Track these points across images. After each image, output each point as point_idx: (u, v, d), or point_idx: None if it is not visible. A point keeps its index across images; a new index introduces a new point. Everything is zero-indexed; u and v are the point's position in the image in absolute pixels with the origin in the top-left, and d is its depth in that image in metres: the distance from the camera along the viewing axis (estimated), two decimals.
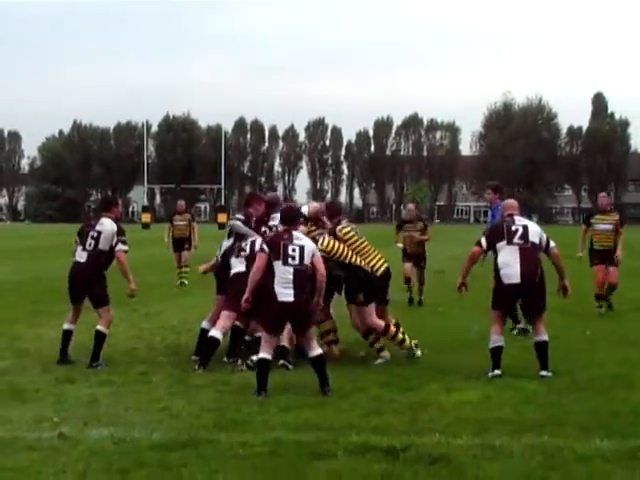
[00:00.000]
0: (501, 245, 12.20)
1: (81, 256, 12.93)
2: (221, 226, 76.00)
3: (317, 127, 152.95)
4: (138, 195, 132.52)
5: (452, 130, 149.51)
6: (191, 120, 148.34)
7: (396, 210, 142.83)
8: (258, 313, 11.48)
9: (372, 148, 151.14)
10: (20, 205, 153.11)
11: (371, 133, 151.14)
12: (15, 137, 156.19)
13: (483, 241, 12.36)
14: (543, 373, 12.00)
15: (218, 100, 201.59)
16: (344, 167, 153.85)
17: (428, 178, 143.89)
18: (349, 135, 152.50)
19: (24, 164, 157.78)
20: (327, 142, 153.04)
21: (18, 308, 19.36)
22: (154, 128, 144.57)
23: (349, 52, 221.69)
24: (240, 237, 13.18)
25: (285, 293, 11.07)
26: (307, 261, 11.34)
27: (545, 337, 12.15)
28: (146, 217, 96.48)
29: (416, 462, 8.05)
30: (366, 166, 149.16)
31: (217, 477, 7.70)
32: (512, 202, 13.12)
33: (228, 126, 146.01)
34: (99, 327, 12.83)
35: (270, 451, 8.39)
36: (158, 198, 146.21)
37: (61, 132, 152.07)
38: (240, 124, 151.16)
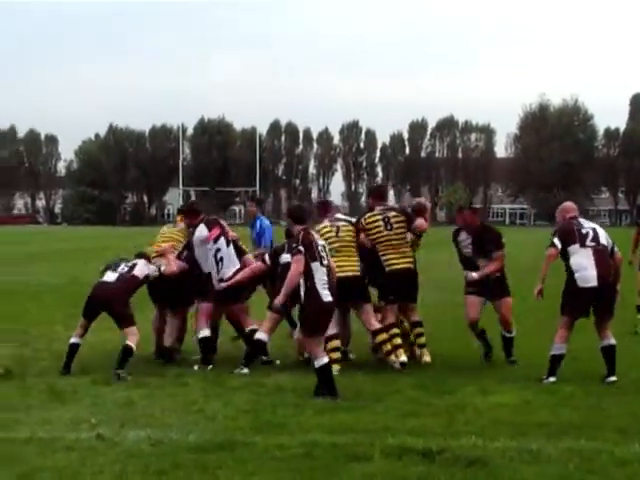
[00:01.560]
0: (574, 248, 11.92)
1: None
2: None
3: (351, 129, 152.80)
4: (174, 197, 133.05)
5: (487, 132, 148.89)
6: (226, 123, 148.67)
7: (431, 212, 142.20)
8: (304, 317, 11.21)
9: (407, 150, 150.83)
10: (57, 208, 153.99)
11: (406, 135, 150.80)
12: (52, 140, 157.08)
13: (557, 242, 12.01)
14: (611, 379, 11.79)
15: (253, 103, 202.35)
16: (379, 169, 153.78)
17: (463, 180, 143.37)
18: (383, 137, 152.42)
19: (61, 167, 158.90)
20: (361, 144, 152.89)
21: (55, 310, 19.48)
22: (189, 131, 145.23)
23: (383, 53, 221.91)
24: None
25: (326, 294, 11.08)
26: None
27: (613, 341, 11.96)
28: (181, 219, 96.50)
29: (452, 465, 8.03)
30: (400, 168, 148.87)
31: (253, 479, 7.71)
32: (571, 205, 12.77)
33: (263, 128, 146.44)
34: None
35: (306, 453, 8.38)
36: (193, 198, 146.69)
37: (97, 135, 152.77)
38: (275, 126, 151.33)
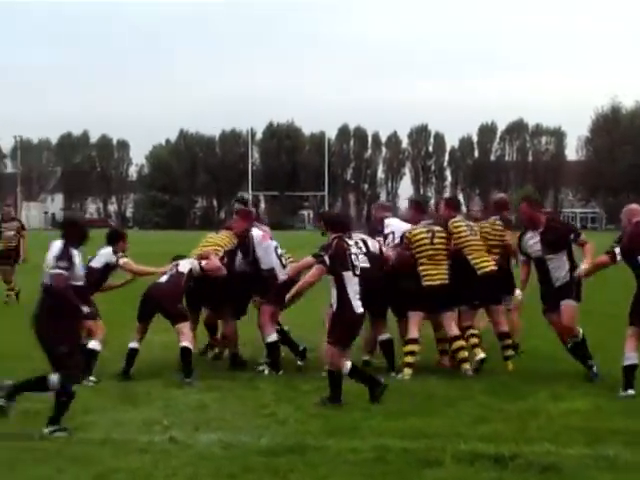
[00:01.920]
0: None
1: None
2: (324, 233, 76.04)
3: (420, 133, 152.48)
4: None
5: (558, 135, 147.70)
6: (295, 127, 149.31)
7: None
8: (333, 326, 10.97)
9: (476, 154, 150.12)
10: (128, 212, 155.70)
11: (475, 138, 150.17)
12: (124, 145, 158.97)
13: (617, 252, 11.48)
14: None
15: (321, 107, 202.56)
16: (447, 173, 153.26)
17: (533, 184, 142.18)
18: (452, 141, 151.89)
19: (132, 172, 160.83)
20: (430, 148, 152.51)
21: (127, 313, 19.61)
22: (258, 135, 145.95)
23: (451, 56, 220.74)
24: None
25: (358, 304, 10.84)
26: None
27: None
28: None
29: (525, 470, 7.97)
30: (469, 172, 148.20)
31: None
32: (638, 207, 12.12)
33: (331, 133, 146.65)
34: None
35: (378, 457, 8.38)
36: (262, 205, 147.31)
37: (168, 140, 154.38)
38: (343, 131, 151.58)
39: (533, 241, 12.58)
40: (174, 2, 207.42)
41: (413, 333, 12.64)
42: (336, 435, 9.21)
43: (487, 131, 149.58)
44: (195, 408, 10.61)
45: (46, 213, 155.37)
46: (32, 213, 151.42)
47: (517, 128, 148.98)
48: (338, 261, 10.85)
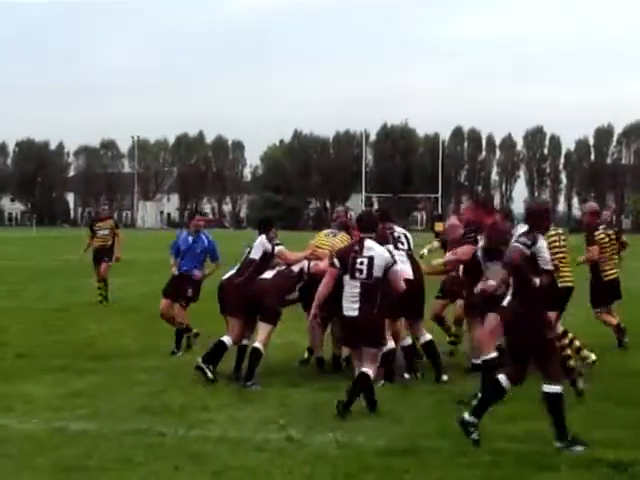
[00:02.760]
0: None
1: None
2: (437, 234, 75.84)
3: (535, 135, 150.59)
4: (356, 203, 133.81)
5: None
6: (409, 129, 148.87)
7: (616, 220, 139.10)
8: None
9: (592, 157, 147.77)
10: (242, 212, 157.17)
11: (591, 141, 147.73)
12: (239, 146, 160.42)
13: None
14: None
15: (435, 108, 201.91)
16: (563, 176, 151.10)
17: None
18: (568, 143, 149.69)
19: (247, 173, 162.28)
20: (545, 151, 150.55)
21: None
22: (372, 137, 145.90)
23: (567, 57, 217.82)
24: None
25: (351, 308, 10.62)
26: (378, 274, 10.65)
27: None
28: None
29: None
30: (585, 175, 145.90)
31: None
32: None
33: (445, 134, 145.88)
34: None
35: (492, 461, 8.37)
36: (376, 206, 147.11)
37: (282, 141, 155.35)
38: (457, 132, 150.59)
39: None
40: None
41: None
42: (450, 437, 9.21)
43: (604, 133, 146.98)
44: (310, 407, 10.70)
45: (162, 213, 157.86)
46: (148, 213, 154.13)
47: (635, 130, 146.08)
48: (341, 263, 10.81)
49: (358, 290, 10.59)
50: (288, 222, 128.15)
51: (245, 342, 12.83)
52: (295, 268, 13.04)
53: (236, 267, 13.05)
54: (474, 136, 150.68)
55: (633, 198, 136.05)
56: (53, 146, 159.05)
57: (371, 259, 10.66)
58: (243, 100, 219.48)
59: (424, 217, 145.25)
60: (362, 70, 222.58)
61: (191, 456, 8.57)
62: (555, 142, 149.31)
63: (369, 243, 10.81)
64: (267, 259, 12.99)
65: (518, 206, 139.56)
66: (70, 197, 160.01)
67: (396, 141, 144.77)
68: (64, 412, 10.37)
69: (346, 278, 10.72)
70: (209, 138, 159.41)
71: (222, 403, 10.95)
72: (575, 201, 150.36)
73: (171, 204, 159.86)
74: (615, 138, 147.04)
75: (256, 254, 12.98)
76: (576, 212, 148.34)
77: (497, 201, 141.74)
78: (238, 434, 9.39)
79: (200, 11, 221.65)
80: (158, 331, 15.94)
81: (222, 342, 12.56)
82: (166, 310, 15.17)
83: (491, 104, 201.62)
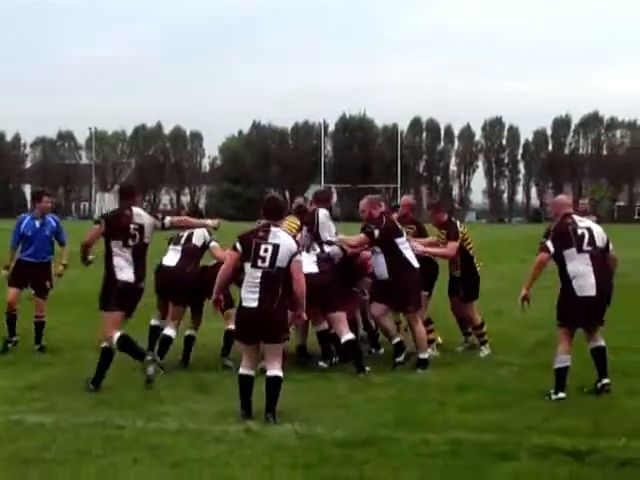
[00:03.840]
0: (569, 253, 10.90)
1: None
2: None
3: (494, 126, 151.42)
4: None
5: (633, 128, 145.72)
6: (367, 119, 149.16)
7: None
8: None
9: (550, 147, 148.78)
10: (201, 204, 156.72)
11: (549, 132, 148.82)
12: (197, 137, 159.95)
13: (550, 245, 10.98)
14: (604, 381, 11.01)
15: (394, 99, 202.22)
16: (521, 166, 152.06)
17: (607, 178, 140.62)
18: (526, 134, 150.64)
19: (205, 164, 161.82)
20: (504, 141, 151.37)
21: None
22: (331, 128, 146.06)
23: (525, 49, 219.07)
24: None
25: (250, 298, 9.79)
26: (281, 264, 9.89)
27: (603, 343, 11.22)
28: None
29: (603, 465, 7.93)
30: (544, 165, 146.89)
31: (401, 475, 7.75)
32: (566, 199, 12.04)
33: (404, 125, 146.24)
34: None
35: (452, 450, 8.37)
36: (335, 197, 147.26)
37: (240, 132, 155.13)
38: (415, 123, 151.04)
39: None
40: None
41: None
42: (410, 427, 9.22)
43: (561, 124, 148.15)
44: None
45: None
46: (106, 204, 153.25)
47: (592, 121, 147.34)
48: (242, 248, 10.05)
49: (259, 280, 9.77)
50: (247, 213, 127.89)
51: (191, 332, 13.07)
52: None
53: (176, 253, 13.03)
54: (433, 126, 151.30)
55: (591, 188, 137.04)
56: (9, 138, 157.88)
57: (276, 247, 9.86)
58: (201, 91, 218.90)
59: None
60: (320, 61, 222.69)
61: (150, 448, 8.51)
62: (513, 132, 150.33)
63: (275, 230, 10.06)
64: (203, 249, 13.17)
65: (477, 196, 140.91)
66: (27, 189, 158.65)
67: (355, 132, 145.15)
68: (21, 405, 10.27)
69: (247, 266, 9.91)
70: (167, 129, 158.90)
71: (179, 396, 10.86)
72: (533, 191, 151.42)
73: None
74: (573, 128, 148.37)
75: (198, 241, 13.06)
76: (534, 202, 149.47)
77: (456, 192, 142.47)
78: (196, 426, 9.32)
79: (158, 3, 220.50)
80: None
81: (166, 336, 12.74)
82: (14, 300, 14.36)
83: (449, 95, 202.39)
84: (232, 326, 11.62)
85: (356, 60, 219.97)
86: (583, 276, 10.81)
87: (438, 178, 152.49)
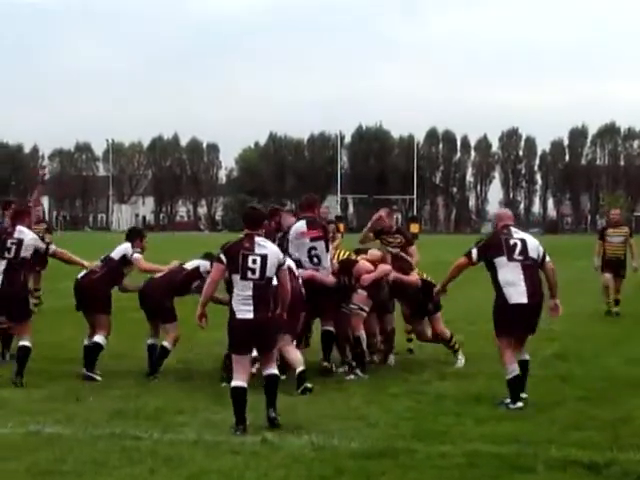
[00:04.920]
0: (500, 260, 11.12)
1: None
2: (414, 236, 76.06)
3: (510, 137, 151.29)
4: (331, 205, 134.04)
5: None
6: (383, 130, 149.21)
7: (591, 221, 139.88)
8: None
9: (567, 157, 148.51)
10: (218, 215, 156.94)
11: (566, 142, 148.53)
12: (213, 149, 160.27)
13: (474, 253, 11.27)
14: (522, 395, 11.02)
15: (410, 110, 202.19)
16: (537, 177, 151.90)
17: (625, 188, 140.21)
18: (543, 145, 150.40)
19: (222, 175, 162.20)
20: (520, 152, 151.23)
21: (213, 314, 19.79)
22: (347, 139, 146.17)
23: (543, 59, 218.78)
24: None
25: (244, 310, 9.74)
26: (270, 274, 9.90)
27: (527, 356, 11.44)
28: (339, 226, 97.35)
29: (620, 479, 7.91)
30: (560, 176, 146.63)
31: None
32: (506, 212, 12.41)
33: (420, 136, 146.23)
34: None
35: (469, 463, 8.35)
36: (351, 208, 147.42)
37: (257, 143, 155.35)
38: (432, 134, 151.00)
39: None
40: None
41: None
42: (426, 439, 9.21)
43: (578, 134, 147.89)
44: (285, 410, 10.61)
45: (137, 216, 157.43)
46: (123, 215, 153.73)
47: (609, 131, 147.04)
48: (228, 261, 9.96)
49: (251, 292, 9.74)
50: None
51: (152, 341, 13.33)
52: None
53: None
54: (449, 137, 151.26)
55: (608, 199, 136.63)
56: (27, 149, 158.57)
57: (264, 257, 9.82)
58: (218, 102, 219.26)
59: (399, 219, 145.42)
60: (336, 72, 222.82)
61: (166, 459, 8.52)
62: (530, 143, 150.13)
63: (259, 239, 9.99)
64: (124, 263, 13.46)
65: (494, 207, 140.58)
66: (45, 200, 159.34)
67: (371, 143, 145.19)
68: (39, 416, 10.28)
69: (236, 278, 9.84)
70: (184, 141, 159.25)
71: (197, 406, 10.89)
72: (550, 202, 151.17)
73: (146, 207, 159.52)
74: (589, 139, 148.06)
75: (116, 255, 13.44)
76: (551, 213, 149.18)
77: (472, 202, 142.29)
78: (213, 437, 9.34)
79: (171, 14, 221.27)
80: (132, 335, 15.81)
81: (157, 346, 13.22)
82: None
83: (466, 106, 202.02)
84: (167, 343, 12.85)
85: (371, 70, 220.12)
86: (514, 284, 11.01)
87: (454, 189, 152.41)
